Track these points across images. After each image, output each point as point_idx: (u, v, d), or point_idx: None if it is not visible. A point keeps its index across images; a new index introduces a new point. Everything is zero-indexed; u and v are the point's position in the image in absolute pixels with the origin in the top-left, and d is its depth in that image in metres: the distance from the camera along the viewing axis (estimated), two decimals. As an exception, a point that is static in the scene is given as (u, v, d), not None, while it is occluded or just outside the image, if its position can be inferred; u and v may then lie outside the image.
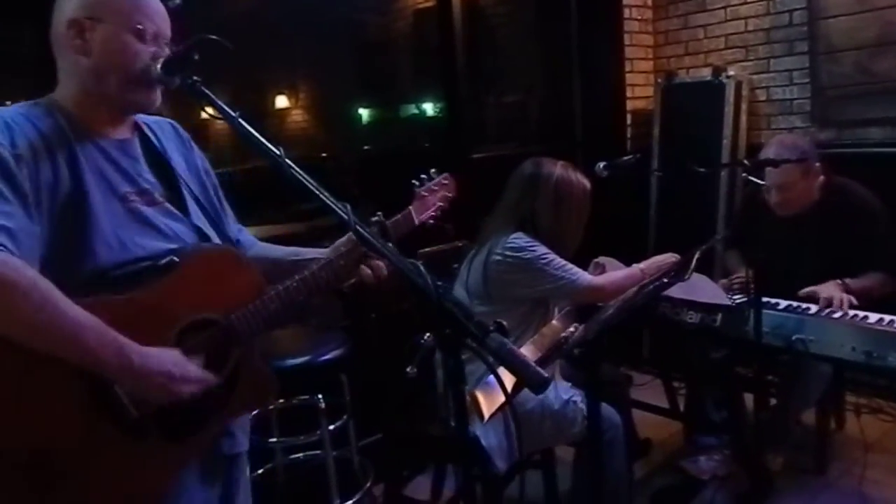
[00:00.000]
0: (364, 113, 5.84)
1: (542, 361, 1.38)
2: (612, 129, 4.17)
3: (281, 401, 2.52)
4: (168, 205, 1.41)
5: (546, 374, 1.00)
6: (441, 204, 1.78)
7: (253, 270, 1.41)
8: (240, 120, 1.28)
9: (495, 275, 2.37)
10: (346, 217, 1.15)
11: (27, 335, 1.14)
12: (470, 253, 2.50)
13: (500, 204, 2.50)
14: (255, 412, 1.52)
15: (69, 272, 1.24)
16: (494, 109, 4.26)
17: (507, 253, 2.35)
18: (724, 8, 4.07)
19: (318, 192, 1.18)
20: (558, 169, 2.45)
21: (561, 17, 4.12)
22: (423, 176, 1.78)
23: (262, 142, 1.25)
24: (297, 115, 7.66)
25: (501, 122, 4.31)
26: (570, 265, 2.37)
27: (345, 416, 2.64)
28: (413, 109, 4.63)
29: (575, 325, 1.72)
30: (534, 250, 2.34)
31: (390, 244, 1.21)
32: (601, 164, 2.78)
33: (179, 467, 1.35)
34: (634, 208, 4.18)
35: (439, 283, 1.06)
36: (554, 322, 1.67)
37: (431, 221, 1.75)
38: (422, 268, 1.08)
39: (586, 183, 2.48)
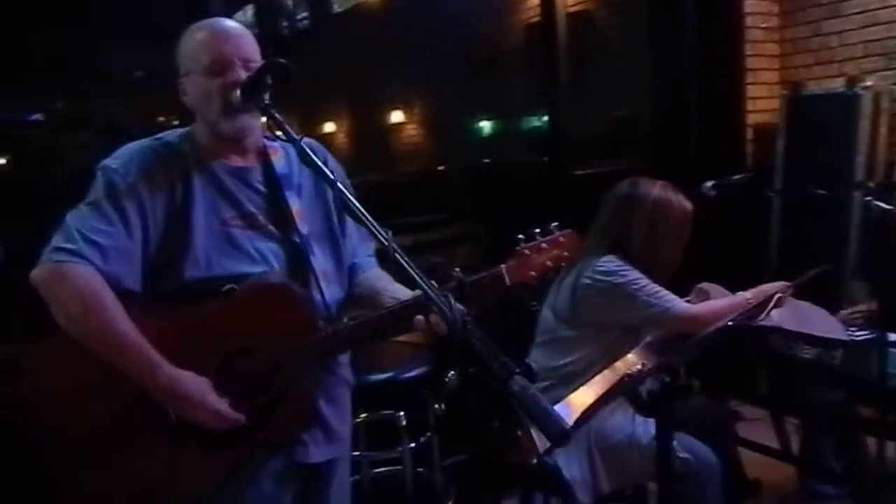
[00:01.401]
0: (474, 127, 5.85)
1: (605, 398, 1.29)
2: (730, 146, 3.91)
3: (364, 415, 2.53)
4: (271, 227, 1.52)
5: (568, 426, 0.91)
6: (549, 264, 1.51)
7: (306, 309, 1.46)
8: (301, 145, 1.35)
9: (583, 299, 2.27)
10: (385, 242, 1.13)
11: (81, 337, 1.35)
12: (560, 274, 2.41)
13: (593, 224, 2.40)
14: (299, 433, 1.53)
15: (163, 282, 1.44)
16: (600, 124, 4.12)
17: (597, 276, 2.24)
18: (861, 13, 3.72)
19: (356, 211, 1.17)
20: (656, 189, 2.32)
21: (676, 26, 3.91)
22: (535, 230, 1.52)
23: (318, 165, 1.26)
24: (412, 130, 7.82)
25: (608, 138, 4.17)
26: (664, 291, 2.23)
27: (428, 434, 2.61)
28: (518, 124, 4.58)
29: (649, 358, 1.59)
30: (625, 275, 2.22)
31: (454, 305, 1.15)
32: (708, 184, 2.61)
33: (217, 475, 1.43)
34: (753, 232, 3.89)
35: (467, 318, 1.00)
36: (630, 356, 1.56)
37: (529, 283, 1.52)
38: (452, 301, 1.03)
39: (687, 205, 2.32)
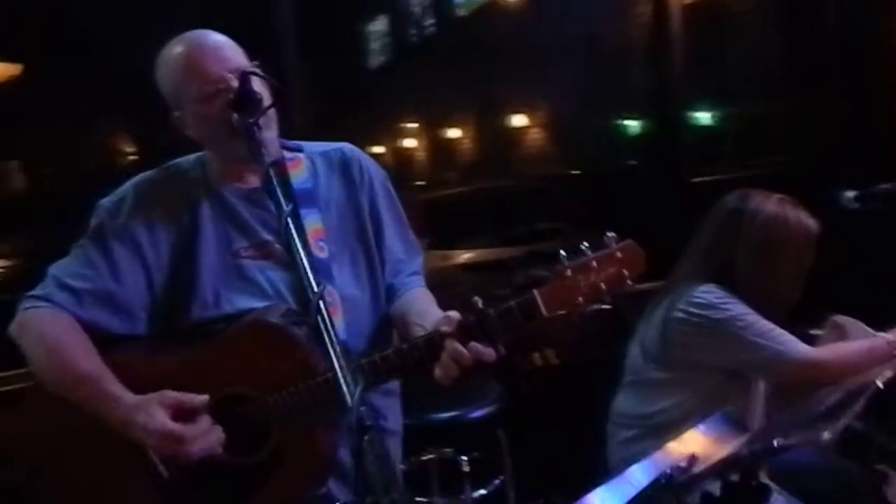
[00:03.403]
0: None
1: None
2: (884, 148, 3.29)
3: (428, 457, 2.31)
4: (286, 254, 1.37)
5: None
6: (604, 288, 1.19)
7: (304, 351, 1.28)
8: (269, 170, 1.18)
9: (676, 336, 1.91)
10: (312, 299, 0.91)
11: (48, 384, 1.28)
12: (651, 303, 2.06)
13: (691, 245, 2.03)
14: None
15: (172, 322, 1.37)
16: (724, 124, 3.63)
17: (692, 310, 1.87)
18: None
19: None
20: (770, 204, 1.91)
21: (815, 8, 3.35)
22: (583, 245, 1.21)
23: (278, 193, 1.07)
24: (535, 134, 7.53)
25: (734, 140, 3.66)
26: (777, 331, 1.82)
27: (501, 478, 2.35)
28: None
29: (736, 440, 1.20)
30: (727, 309, 1.84)
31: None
32: (850, 194, 2.14)
33: None
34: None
35: (364, 408, 0.75)
36: (698, 432, 1.19)
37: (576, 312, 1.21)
38: (358, 390, 0.78)
39: (809, 225, 1.90)
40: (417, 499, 2.35)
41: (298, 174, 1.45)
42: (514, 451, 2.37)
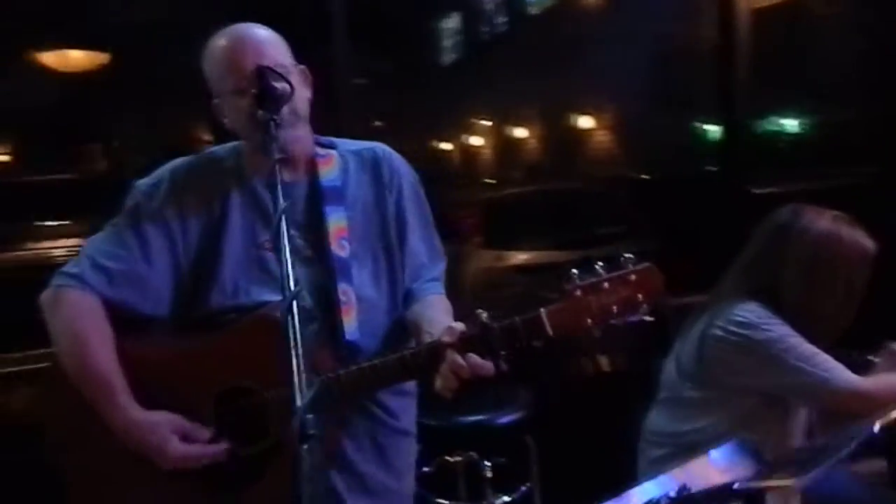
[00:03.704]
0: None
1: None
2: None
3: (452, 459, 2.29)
4: (308, 250, 1.41)
5: None
6: (615, 310, 1.16)
7: (306, 350, 1.26)
8: (275, 165, 1.20)
9: (712, 353, 1.81)
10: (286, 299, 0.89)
11: (63, 363, 1.32)
12: (690, 318, 1.97)
13: (737, 260, 1.93)
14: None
15: (192, 308, 1.39)
16: (794, 131, 3.44)
17: (731, 328, 1.77)
18: None
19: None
20: (823, 221, 1.79)
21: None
22: (598, 263, 1.19)
23: (278, 188, 1.09)
24: (602, 136, 7.37)
25: (802, 148, 3.47)
26: (822, 356, 1.71)
27: (527, 485, 2.31)
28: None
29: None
30: (769, 330, 1.73)
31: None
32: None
33: None
34: None
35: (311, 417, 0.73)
36: (711, 459, 1.12)
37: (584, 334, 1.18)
38: (303, 407, 0.76)
39: (865, 245, 1.77)
40: (441, 501, 2.34)
41: (329, 171, 1.46)
42: (543, 459, 2.33)
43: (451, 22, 10.10)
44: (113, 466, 1.33)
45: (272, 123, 1.23)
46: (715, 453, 1.12)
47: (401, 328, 1.47)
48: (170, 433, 1.27)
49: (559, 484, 2.37)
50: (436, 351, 1.21)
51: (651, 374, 1.97)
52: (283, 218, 1.05)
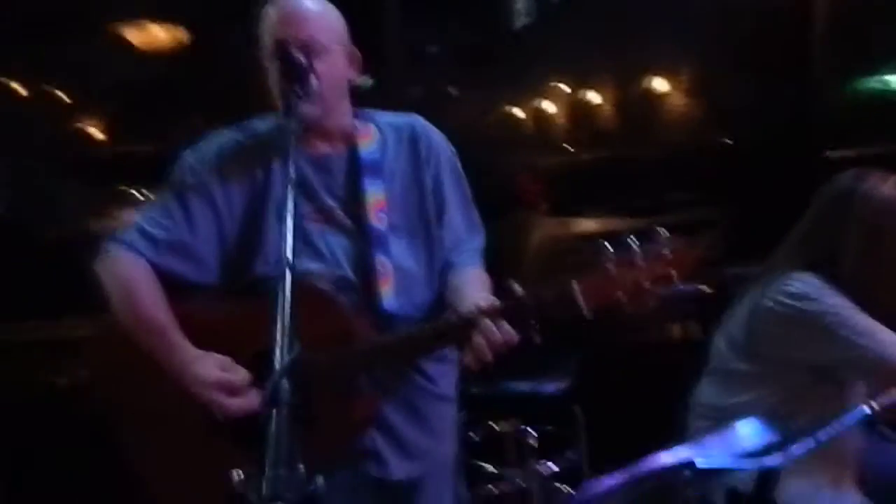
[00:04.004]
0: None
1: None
2: None
3: (492, 424, 2.31)
4: (347, 221, 1.44)
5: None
6: (647, 287, 1.17)
7: (345, 319, 1.35)
8: (292, 141, 1.22)
9: (762, 325, 1.75)
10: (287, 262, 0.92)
11: (122, 322, 1.38)
12: (742, 289, 1.90)
13: (794, 228, 1.84)
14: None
15: (237, 276, 1.44)
16: (875, 93, 3.22)
17: (783, 299, 1.70)
18: None
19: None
20: (888, 188, 1.69)
21: None
22: (629, 238, 1.19)
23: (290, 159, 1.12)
24: (677, 100, 7.07)
25: (882, 111, 3.24)
26: (879, 329, 1.63)
27: (575, 453, 2.31)
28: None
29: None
30: (822, 301, 1.66)
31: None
32: None
33: None
34: None
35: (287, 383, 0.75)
36: (734, 433, 1.08)
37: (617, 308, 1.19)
38: (282, 376, 0.78)
39: (934, 213, 1.66)
40: (488, 468, 2.38)
41: (367, 144, 1.48)
42: (590, 427, 2.32)
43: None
44: (164, 422, 1.39)
45: (292, 95, 1.25)
46: (742, 426, 1.10)
47: (439, 300, 1.48)
48: (218, 369, 1.32)
49: (607, 452, 2.36)
50: (469, 321, 1.23)
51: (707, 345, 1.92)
52: (290, 189, 1.08)
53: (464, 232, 1.52)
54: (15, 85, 4.19)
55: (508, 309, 1.22)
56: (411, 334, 1.32)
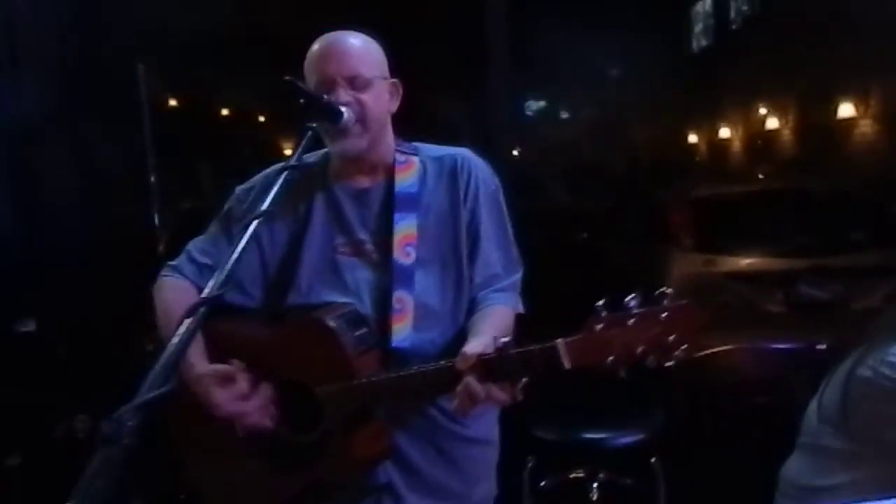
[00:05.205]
0: None
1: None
2: None
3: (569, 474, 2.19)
4: (375, 255, 1.45)
5: None
6: (639, 351, 1.08)
7: (345, 357, 1.34)
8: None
9: (859, 400, 1.50)
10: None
11: (161, 336, 1.42)
12: (837, 357, 1.64)
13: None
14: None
15: (273, 302, 1.49)
16: None
17: (884, 370, 1.45)
18: None
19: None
20: None
21: None
22: (628, 297, 1.10)
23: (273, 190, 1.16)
24: (865, 127, 6.31)
25: None
26: None
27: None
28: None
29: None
30: (930, 377, 1.39)
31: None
32: None
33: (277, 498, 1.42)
34: None
35: (130, 423, 0.73)
36: None
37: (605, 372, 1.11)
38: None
39: None
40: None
41: (407, 177, 1.48)
42: (672, 484, 2.13)
43: (702, 7, 9.43)
44: (211, 438, 1.44)
45: (306, 130, 1.29)
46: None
47: (461, 335, 1.45)
48: (213, 382, 1.35)
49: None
50: (452, 372, 1.21)
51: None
52: (255, 217, 1.10)
53: (500, 268, 1.48)
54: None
55: (492, 362, 1.18)
56: (402, 376, 1.30)
